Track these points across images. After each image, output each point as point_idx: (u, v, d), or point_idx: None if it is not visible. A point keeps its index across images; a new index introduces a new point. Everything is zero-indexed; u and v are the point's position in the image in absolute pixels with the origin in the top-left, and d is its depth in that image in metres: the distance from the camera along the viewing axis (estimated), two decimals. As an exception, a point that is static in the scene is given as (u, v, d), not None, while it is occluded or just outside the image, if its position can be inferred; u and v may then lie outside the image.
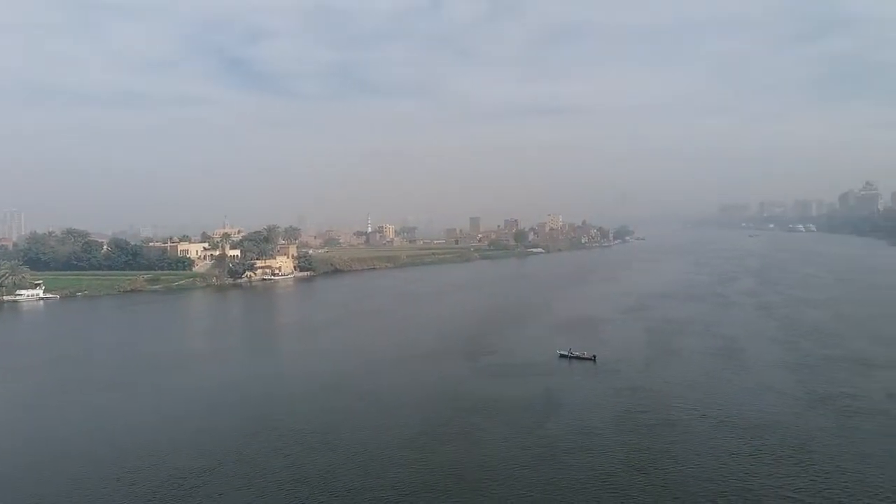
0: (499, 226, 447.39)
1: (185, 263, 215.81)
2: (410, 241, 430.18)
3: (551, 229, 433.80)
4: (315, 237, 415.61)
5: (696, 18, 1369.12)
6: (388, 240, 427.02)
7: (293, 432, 56.97)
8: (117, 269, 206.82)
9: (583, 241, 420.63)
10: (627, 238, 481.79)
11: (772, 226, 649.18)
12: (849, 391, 64.48)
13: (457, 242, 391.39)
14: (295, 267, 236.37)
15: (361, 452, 51.61)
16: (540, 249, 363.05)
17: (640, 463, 47.86)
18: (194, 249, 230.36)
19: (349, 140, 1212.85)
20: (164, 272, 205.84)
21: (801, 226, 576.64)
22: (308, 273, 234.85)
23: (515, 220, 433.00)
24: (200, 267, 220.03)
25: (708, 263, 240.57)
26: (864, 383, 67.47)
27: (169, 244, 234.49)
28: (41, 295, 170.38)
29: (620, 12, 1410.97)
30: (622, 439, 53.07)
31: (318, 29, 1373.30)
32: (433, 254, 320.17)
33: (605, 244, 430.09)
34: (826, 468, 45.62)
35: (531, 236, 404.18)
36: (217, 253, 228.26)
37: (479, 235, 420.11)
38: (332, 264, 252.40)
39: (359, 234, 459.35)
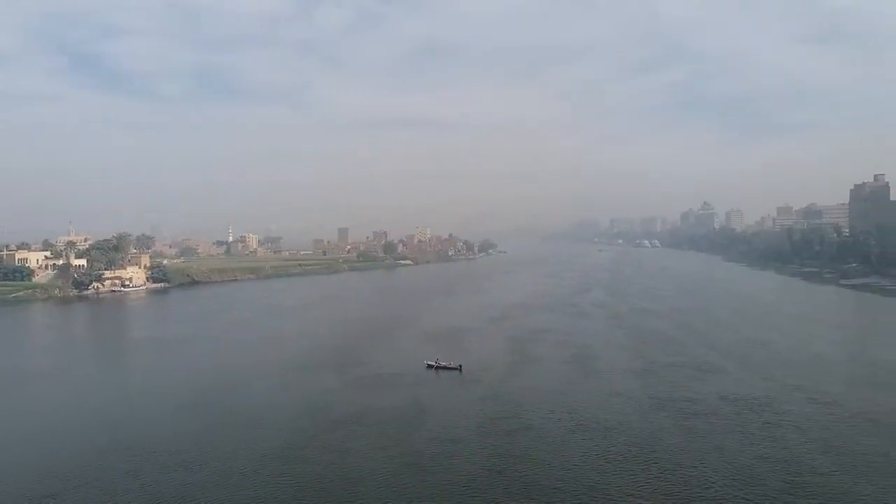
0: (368, 237, 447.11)
1: (23, 273, 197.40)
2: (275, 252, 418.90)
3: (420, 241, 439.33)
4: (170, 246, 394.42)
5: (552, 44, 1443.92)
6: (251, 250, 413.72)
7: (147, 452, 54.05)
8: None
9: (450, 253, 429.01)
10: (491, 251, 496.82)
11: (620, 241, 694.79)
12: (687, 395, 70.57)
13: (324, 253, 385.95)
14: (148, 278, 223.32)
15: (222, 470, 49.95)
16: (409, 261, 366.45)
17: (501, 466, 49.90)
18: (34, 258, 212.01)
19: (212, 145, 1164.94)
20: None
21: (647, 241, 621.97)
22: (162, 284, 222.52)
23: (384, 232, 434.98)
24: (41, 277, 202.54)
25: (564, 275, 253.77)
26: (701, 387, 74.07)
27: (5, 252, 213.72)
28: None
29: (483, 34, 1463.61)
30: (485, 444, 55.04)
31: (179, 28, 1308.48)
32: (300, 265, 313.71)
33: (471, 257, 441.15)
34: (667, 465, 49.76)
35: (400, 248, 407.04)
36: (61, 262, 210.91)
37: (348, 247, 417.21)
38: (189, 275, 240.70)
39: (219, 243, 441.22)
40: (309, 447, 55.20)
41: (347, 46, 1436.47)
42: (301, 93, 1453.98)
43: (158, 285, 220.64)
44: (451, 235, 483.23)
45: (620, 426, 59.54)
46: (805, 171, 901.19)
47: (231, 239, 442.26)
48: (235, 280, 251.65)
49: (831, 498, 43.52)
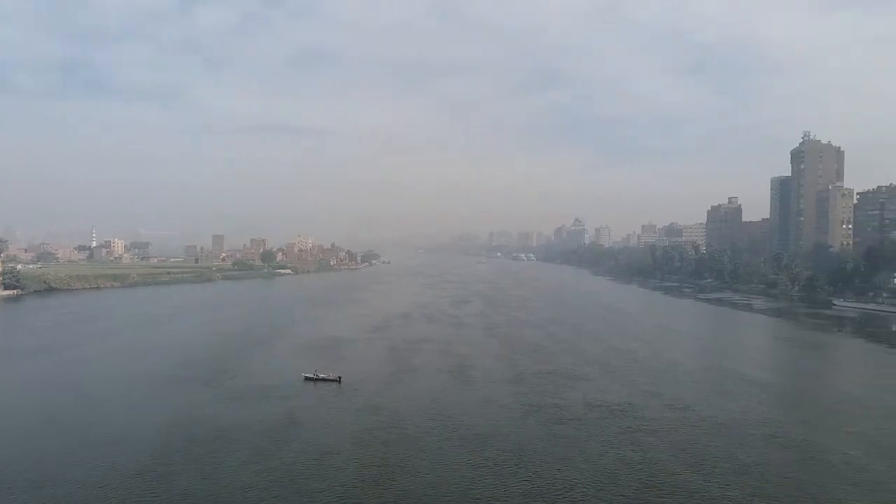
0: (245, 245, 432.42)
1: None
2: (143, 259, 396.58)
3: (300, 250, 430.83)
4: (26, 251, 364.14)
5: (438, 60, 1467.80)
6: (117, 256, 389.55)
7: (-9, 475, 49.68)
8: None
9: (332, 263, 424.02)
10: (374, 261, 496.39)
11: (499, 254, 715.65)
12: (555, 401, 73.91)
13: (197, 261, 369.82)
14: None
15: (80, 490, 46.83)
16: (288, 270, 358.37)
17: (377, 477, 50.11)
18: None
19: (76, 143, 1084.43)
20: None
21: (523, 255, 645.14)
22: (15, 292, 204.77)
23: (263, 240, 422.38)
24: None
25: (444, 287, 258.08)
26: (568, 394, 77.81)
27: None
28: None
29: (370, 45, 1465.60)
30: (361, 455, 55.04)
31: (46, 18, 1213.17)
32: (169, 273, 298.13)
33: (354, 267, 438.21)
34: (536, 469, 51.97)
35: (279, 257, 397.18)
36: None
37: (223, 255, 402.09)
38: (45, 282, 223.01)
39: (81, 248, 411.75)
40: (176, 463, 52.83)
41: (231, 48, 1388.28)
42: (180, 93, 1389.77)
43: (10, 292, 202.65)
44: (333, 245, 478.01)
45: (493, 433, 61.45)
46: (668, 193, 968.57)
47: (94, 244, 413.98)
48: (98, 288, 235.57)
49: (682, 495, 47.13)
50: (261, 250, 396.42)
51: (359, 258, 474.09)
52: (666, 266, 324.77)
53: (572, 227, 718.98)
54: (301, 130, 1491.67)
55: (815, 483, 49.48)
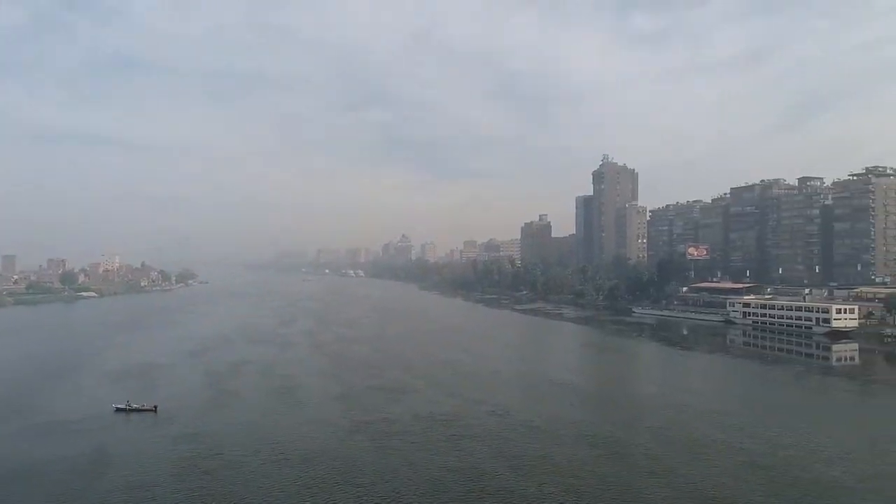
0: (41, 266, 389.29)
1: None
2: None
3: (106, 271, 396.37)
4: None
5: (260, 73, 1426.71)
6: None
7: None
8: None
9: (142, 284, 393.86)
10: (191, 281, 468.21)
11: (327, 271, 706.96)
12: (384, 416, 74.92)
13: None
14: None
15: None
16: (92, 293, 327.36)
17: (200, 508, 47.88)
18: None
19: None
20: None
21: (351, 271, 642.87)
22: None
23: (62, 260, 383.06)
24: None
25: (270, 306, 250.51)
26: (396, 408, 79.18)
27: None
28: None
29: (186, 55, 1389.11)
30: (180, 487, 52.15)
31: None
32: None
33: (167, 287, 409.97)
34: (364, 484, 52.33)
35: (82, 278, 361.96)
36: None
37: (15, 276, 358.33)
38: None
39: None
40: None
41: (26, 53, 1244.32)
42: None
43: None
44: (143, 264, 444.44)
45: (322, 452, 61.07)
46: (488, 210, 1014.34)
47: None
48: None
49: (502, 496, 50.02)
50: (60, 271, 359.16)
51: (173, 279, 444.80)
52: (486, 279, 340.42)
53: (399, 244, 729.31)
54: (111, 141, 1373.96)
55: (619, 475, 54.71)
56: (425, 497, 49.71)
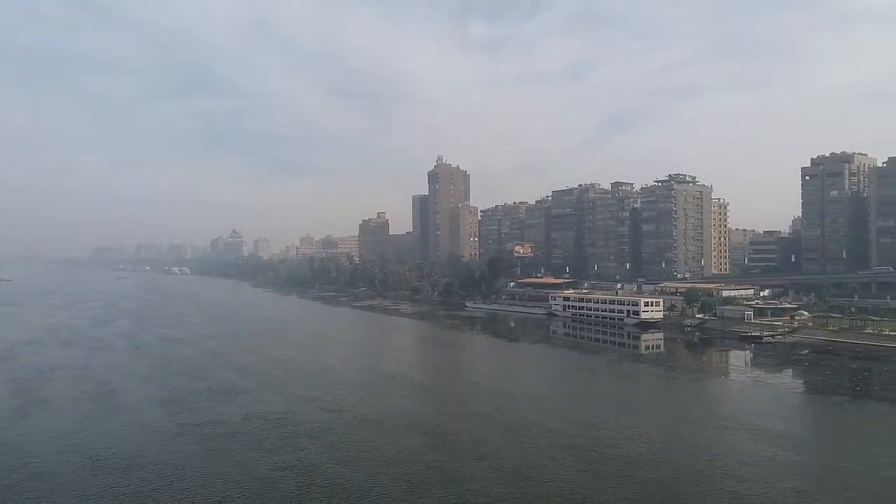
0: None
1: None
2: None
3: None
4: None
5: (75, 53, 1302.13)
6: None
7: None
8: None
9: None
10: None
11: (148, 268, 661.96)
12: (212, 418, 72.20)
13: None
14: None
15: None
16: None
17: (-1, 527, 43.64)
18: None
19: None
20: None
21: (176, 268, 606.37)
22: None
23: None
24: None
25: (82, 306, 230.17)
26: (226, 409, 76.51)
27: None
28: None
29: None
30: (-24, 507, 47.23)
31: None
32: None
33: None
34: (189, 488, 50.36)
35: None
36: None
37: None
38: None
39: None
40: None
41: None
42: None
43: None
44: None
45: (143, 457, 57.83)
46: (327, 206, 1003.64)
47: None
48: None
49: (335, 489, 50.41)
50: None
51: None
52: (323, 276, 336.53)
53: (229, 239, 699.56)
54: None
55: (447, 461, 57.16)
56: (254, 498, 48.83)
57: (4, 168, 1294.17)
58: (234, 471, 54.62)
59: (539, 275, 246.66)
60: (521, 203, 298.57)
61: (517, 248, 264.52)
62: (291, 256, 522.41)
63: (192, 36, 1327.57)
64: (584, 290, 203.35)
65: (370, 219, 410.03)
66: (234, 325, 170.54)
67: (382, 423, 70.27)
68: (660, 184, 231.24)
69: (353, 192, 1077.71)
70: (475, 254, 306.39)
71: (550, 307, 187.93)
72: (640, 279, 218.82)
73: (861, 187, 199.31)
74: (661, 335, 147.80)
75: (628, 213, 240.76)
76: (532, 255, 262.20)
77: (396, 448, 61.21)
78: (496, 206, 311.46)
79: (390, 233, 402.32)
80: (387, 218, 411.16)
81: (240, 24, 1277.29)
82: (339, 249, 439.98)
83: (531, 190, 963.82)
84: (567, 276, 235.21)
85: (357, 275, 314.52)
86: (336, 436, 65.36)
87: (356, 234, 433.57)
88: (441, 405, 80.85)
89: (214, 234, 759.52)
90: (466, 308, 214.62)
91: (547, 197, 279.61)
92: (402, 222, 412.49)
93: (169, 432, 66.99)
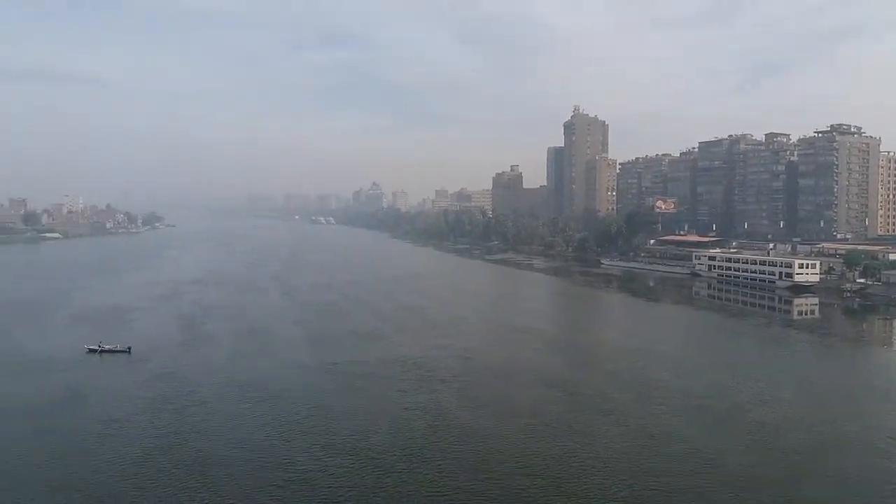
0: (1, 205, 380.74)
1: None
2: None
3: (70, 212, 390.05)
4: None
5: (204, 8, 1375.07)
6: None
7: None
8: None
9: (108, 226, 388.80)
10: (158, 224, 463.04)
11: (297, 217, 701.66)
12: (352, 359, 76.98)
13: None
14: None
15: None
16: (57, 234, 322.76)
17: (173, 443, 49.56)
18: None
19: None
20: None
21: (322, 218, 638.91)
22: None
23: (24, 200, 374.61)
24: None
25: (239, 250, 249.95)
26: (366, 352, 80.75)
27: None
28: None
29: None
30: (154, 423, 53.97)
31: None
32: None
33: (134, 230, 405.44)
34: (329, 422, 54.37)
35: (46, 219, 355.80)
36: None
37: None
38: None
39: None
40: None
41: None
42: None
43: None
44: (109, 206, 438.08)
45: (289, 392, 63.17)
46: (459, 159, 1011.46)
47: None
48: None
49: (460, 432, 52.59)
50: (22, 211, 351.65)
51: (139, 221, 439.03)
52: (457, 229, 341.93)
53: (370, 191, 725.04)
54: (67, 79, 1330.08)
55: (573, 413, 57.70)
56: (389, 433, 51.91)
57: (162, 120, 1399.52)
58: (371, 408, 58.45)
59: (682, 232, 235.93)
60: (664, 155, 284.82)
61: (659, 203, 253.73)
62: (427, 209, 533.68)
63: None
64: (731, 250, 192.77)
65: (503, 172, 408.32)
66: (374, 274, 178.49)
67: (512, 374, 71.86)
68: (820, 135, 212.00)
69: (486, 144, 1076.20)
70: (612, 209, 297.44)
71: (694, 267, 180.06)
72: (794, 239, 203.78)
73: None
74: (816, 300, 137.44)
75: (784, 167, 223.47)
76: (675, 210, 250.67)
77: (525, 398, 62.55)
78: (636, 158, 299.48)
79: (524, 186, 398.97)
80: (520, 171, 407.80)
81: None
82: (472, 203, 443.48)
83: (665, 141, 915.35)
84: (713, 234, 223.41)
85: (490, 228, 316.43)
86: (466, 383, 67.72)
87: (489, 187, 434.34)
88: (571, 359, 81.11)
89: (356, 186, 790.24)
90: (602, 265, 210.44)
91: (693, 149, 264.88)
92: (535, 175, 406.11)
93: (313, 370, 72.49)
